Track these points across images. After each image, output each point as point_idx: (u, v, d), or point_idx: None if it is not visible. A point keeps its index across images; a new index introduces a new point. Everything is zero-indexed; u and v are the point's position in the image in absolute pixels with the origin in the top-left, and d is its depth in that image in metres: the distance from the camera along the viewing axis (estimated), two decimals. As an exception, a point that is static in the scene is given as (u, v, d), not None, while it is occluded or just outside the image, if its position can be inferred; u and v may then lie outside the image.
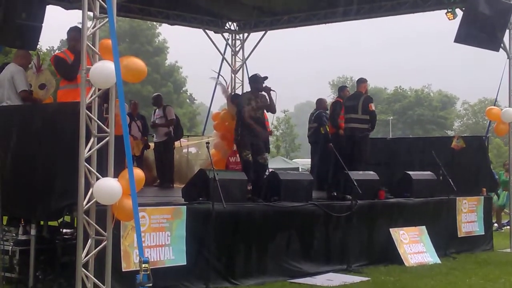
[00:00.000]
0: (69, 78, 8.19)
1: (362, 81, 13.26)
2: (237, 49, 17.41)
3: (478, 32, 12.23)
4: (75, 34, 8.15)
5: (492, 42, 12.57)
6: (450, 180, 11.72)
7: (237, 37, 17.45)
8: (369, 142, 12.81)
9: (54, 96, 10.23)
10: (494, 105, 14.13)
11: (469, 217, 12.69)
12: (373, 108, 12.75)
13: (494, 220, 15.82)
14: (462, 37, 12.18)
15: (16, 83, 8.87)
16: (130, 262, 7.41)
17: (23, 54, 9.14)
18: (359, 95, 12.83)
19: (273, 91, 10.96)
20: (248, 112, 10.62)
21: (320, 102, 14.09)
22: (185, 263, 8.09)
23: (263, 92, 10.90)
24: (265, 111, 11.26)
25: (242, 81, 17.23)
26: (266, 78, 10.99)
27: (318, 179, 12.22)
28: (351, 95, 13.22)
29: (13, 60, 9.27)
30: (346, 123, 12.77)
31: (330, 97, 79.82)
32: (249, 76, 11.64)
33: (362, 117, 12.70)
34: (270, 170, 13.72)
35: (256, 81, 11.21)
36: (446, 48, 74.55)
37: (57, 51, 55.81)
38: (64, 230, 7.88)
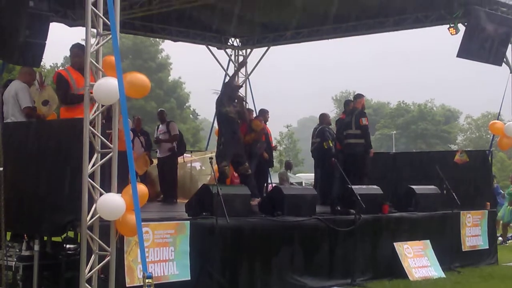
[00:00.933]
0: (65, 103, 8.22)
1: (358, 97, 13.44)
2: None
3: (480, 47, 12.26)
4: (77, 50, 8.20)
5: (494, 56, 12.60)
6: (454, 194, 11.70)
7: (240, 53, 17.51)
8: (368, 157, 12.84)
9: (57, 112, 10.28)
10: (498, 119, 14.12)
11: (473, 231, 12.66)
12: (364, 122, 12.83)
13: (498, 234, 15.80)
14: (465, 52, 12.21)
15: (20, 100, 8.92)
16: (134, 277, 7.41)
17: (28, 71, 9.19)
18: (354, 111, 12.97)
19: (246, 102, 11.17)
20: (232, 113, 10.81)
21: (323, 117, 14.15)
22: (189, 278, 8.08)
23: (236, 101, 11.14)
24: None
25: (245, 96, 17.26)
26: (240, 87, 11.25)
27: (321, 194, 12.25)
28: (348, 111, 13.36)
29: (18, 77, 9.32)
30: (344, 139, 12.93)
31: (333, 112, 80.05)
32: (224, 82, 11.81)
33: (355, 132, 12.86)
34: (274, 185, 13.79)
35: (232, 88, 11.41)
36: (449, 63, 74.59)
37: (60, 68, 56.14)
38: (68, 246, 7.88)
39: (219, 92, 13.37)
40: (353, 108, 13.19)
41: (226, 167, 11.01)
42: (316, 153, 13.81)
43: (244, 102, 11.71)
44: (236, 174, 12.87)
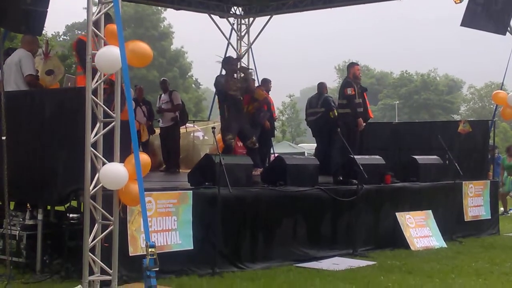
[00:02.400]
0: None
1: (349, 66, 13.39)
2: (242, 33, 17.37)
3: (484, 16, 12.16)
4: None
5: (499, 26, 12.50)
6: (456, 164, 11.70)
7: (243, 21, 17.40)
8: (356, 127, 12.74)
9: (61, 82, 10.25)
10: (501, 89, 14.06)
11: (475, 201, 12.69)
12: (349, 92, 12.73)
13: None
14: (469, 21, 12.12)
15: (23, 67, 8.87)
16: (137, 246, 7.44)
17: (31, 39, 9.12)
18: (343, 81, 13.11)
19: (251, 69, 11.06)
20: (232, 91, 10.74)
21: (321, 86, 14.12)
22: (192, 248, 8.11)
23: (239, 74, 11.02)
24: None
25: (248, 66, 17.19)
26: (239, 59, 11.11)
27: (325, 164, 12.21)
28: None
29: (22, 46, 9.25)
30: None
31: (335, 81, 79.87)
32: (222, 60, 11.74)
33: (342, 101, 12.87)
34: (276, 155, 13.79)
35: (230, 62, 11.32)
36: (453, 32, 74.15)
37: (63, 37, 55.81)
38: (71, 215, 7.92)
39: (221, 59, 13.32)
40: (346, 77, 13.24)
41: (232, 140, 10.97)
42: (320, 123, 13.77)
43: (249, 71, 11.59)
44: (240, 144, 12.89)
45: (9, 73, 8.92)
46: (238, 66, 11.39)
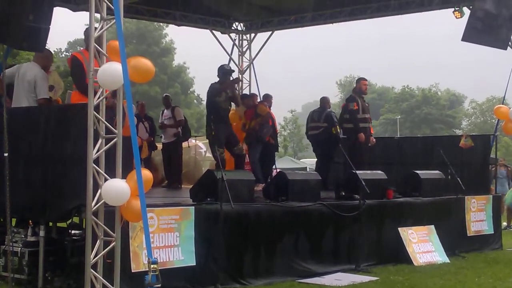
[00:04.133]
0: (81, 90, 8.13)
1: (357, 81, 13.46)
2: (244, 49, 17.42)
3: (485, 30, 12.18)
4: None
5: (499, 40, 12.51)
6: (458, 179, 11.69)
7: (244, 37, 17.46)
8: (359, 142, 12.75)
9: (62, 98, 10.25)
10: (502, 104, 14.08)
11: (478, 216, 12.65)
12: (351, 107, 12.86)
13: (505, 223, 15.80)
14: (470, 35, 12.13)
15: (37, 89, 8.69)
16: (139, 262, 7.43)
17: (45, 54, 8.99)
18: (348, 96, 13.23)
19: (241, 80, 11.48)
20: (222, 102, 11.08)
21: (325, 101, 14.14)
22: (194, 264, 8.09)
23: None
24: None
25: (250, 81, 17.24)
26: (233, 71, 11.51)
27: (325, 179, 12.21)
28: None
29: (35, 60, 9.04)
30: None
31: (337, 96, 79.98)
32: (218, 67, 12.01)
33: (345, 116, 12.94)
34: (278, 170, 13.78)
35: (226, 72, 11.61)
36: (454, 47, 74.34)
37: (65, 53, 56.01)
38: (73, 231, 7.90)
39: None
40: (352, 91, 13.40)
41: (222, 154, 11.09)
42: (322, 138, 13.75)
43: (235, 85, 11.99)
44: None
45: (21, 89, 8.79)
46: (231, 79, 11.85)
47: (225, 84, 11.65)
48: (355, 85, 13.54)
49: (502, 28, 12.42)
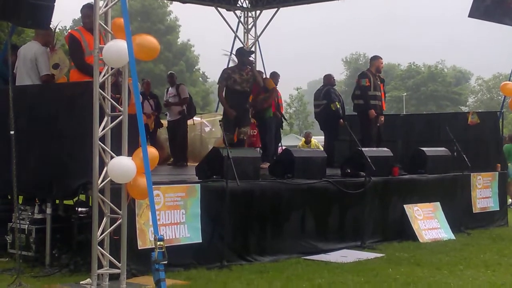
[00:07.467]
0: (80, 69, 8.15)
1: (373, 59, 13.32)
2: (249, 26, 17.34)
3: (492, 6, 12.10)
4: (87, 11, 8.10)
5: (507, 16, 12.44)
6: (464, 156, 11.67)
7: (249, 14, 17.37)
8: (368, 118, 12.66)
9: (67, 75, 10.24)
10: (509, 80, 14.00)
11: (483, 193, 12.66)
12: (363, 83, 12.77)
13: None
14: (477, 11, 12.06)
15: (39, 65, 8.76)
16: (146, 240, 7.46)
17: (45, 32, 9.00)
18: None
19: (254, 64, 11.46)
20: (232, 85, 10.99)
21: (328, 78, 14.08)
22: (200, 241, 8.13)
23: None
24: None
25: (255, 59, 17.16)
26: (252, 52, 11.36)
27: (329, 156, 12.20)
28: None
29: (36, 38, 9.06)
30: None
31: (343, 74, 79.69)
32: (236, 49, 11.93)
33: (357, 93, 12.87)
34: (284, 147, 13.79)
35: (242, 54, 11.54)
36: (460, 23, 73.85)
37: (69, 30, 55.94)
38: (80, 209, 7.93)
39: (228, 53, 13.37)
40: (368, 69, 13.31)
41: (230, 137, 11.09)
42: (323, 115, 13.74)
43: (253, 66, 11.83)
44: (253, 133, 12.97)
45: (24, 68, 8.82)
46: (251, 59, 11.67)
47: (238, 66, 11.57)
48: (370, 64, 13.31)
49: (509, 4, 12.34)
